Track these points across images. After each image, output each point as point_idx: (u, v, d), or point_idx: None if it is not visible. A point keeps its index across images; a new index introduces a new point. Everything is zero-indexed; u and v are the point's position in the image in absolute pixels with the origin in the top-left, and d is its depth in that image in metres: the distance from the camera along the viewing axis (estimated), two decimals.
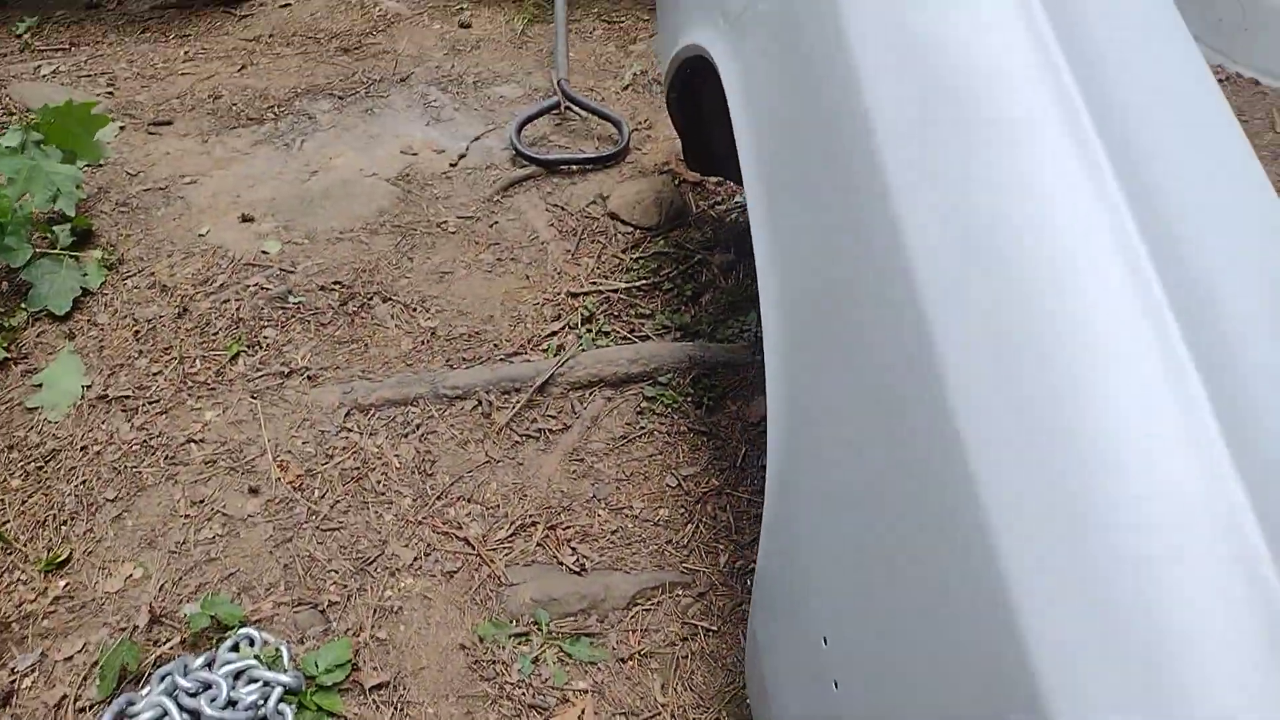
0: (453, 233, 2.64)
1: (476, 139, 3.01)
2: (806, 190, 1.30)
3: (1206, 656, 0.79)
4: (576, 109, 3.04)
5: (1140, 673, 0.79)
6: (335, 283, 2.45)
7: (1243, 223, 1.04)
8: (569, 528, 1.90)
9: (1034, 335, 0.94)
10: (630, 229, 2.61)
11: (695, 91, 1.99)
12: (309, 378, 2.19)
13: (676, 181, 2.74)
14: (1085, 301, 0.94)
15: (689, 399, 2.12)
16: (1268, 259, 1.01)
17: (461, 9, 3.80)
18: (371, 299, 2.42)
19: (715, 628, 1.75)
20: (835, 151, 1.21)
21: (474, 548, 1.85)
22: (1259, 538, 0.81)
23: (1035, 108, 1.03)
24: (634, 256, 2.52)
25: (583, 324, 2.30)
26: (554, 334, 2.30)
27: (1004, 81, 1.06)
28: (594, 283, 2.44)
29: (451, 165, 2.91)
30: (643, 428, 2.08)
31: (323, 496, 1.94)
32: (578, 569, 1.82)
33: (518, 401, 2.11)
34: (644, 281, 2.43)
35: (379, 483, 1.97)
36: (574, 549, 1.86)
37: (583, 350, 2.19)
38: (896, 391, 1.05)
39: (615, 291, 2.41)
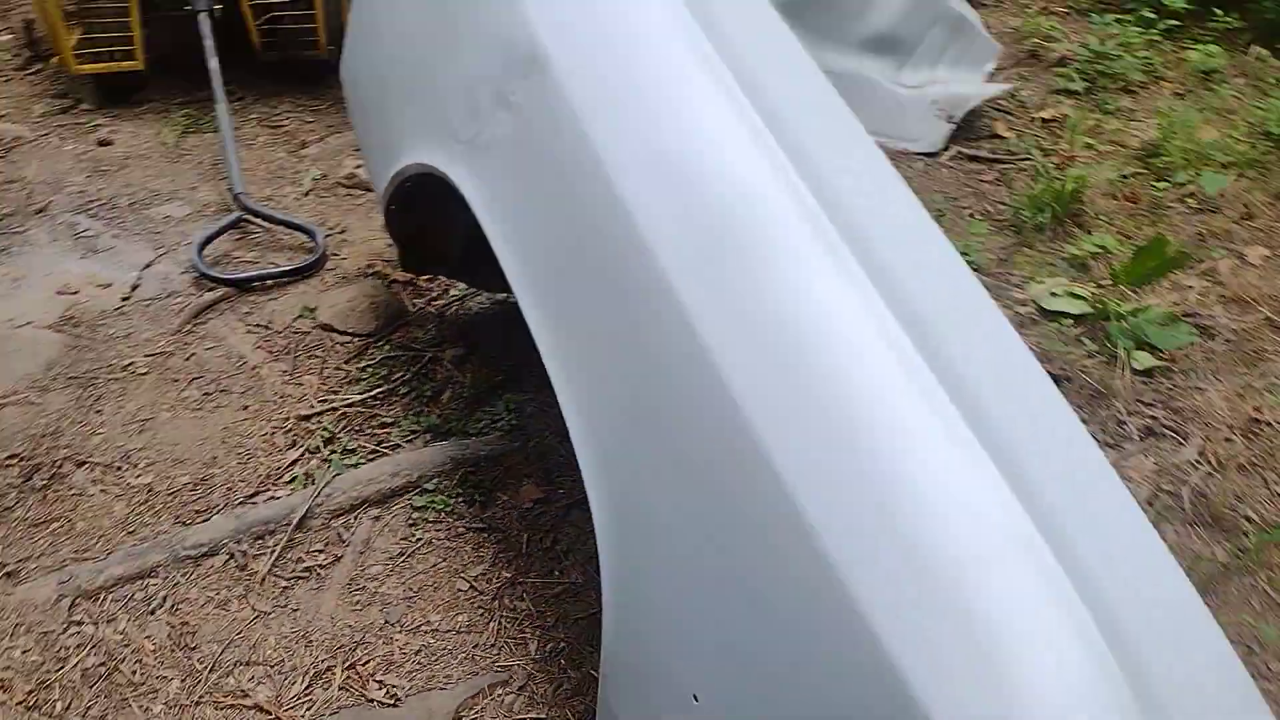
0: (144, 373, 2.38)
1: (147, 266, 2.75)
2: (589, 304, 1.36)
3: (1030, 645, 0.93)
4: (260, 221, 2.88)
5: (985, 668, 0.92)
6: (11, 456, 2.13)
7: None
8: (369, 661, 1.78)
9: (827, 398, 1.07)
10: (349, 338, 2.51)
11: (417, 201, 1.99)
12: (7, 575, 1.88)
13: (387, 283, 2.69)
14: (869, 374, 1.08)
15: (460, 499, 2.08)
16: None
17: (97, 125, 3.46)
18: (62, 466, 2.13)
19: (544, 715, 1.72)
20: (613, 271, 1.28)
21: (270, 712, 1.68)
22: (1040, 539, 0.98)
23: (783, 218, 1.18)
24: (360, 366, 2.43)
25: (325, 446, 2.18)
26: (295, 463, 2.15)
27: (751, 196, 1.20)
28: (324, 400, 2.32)
29: (124, 299, 2.63)
30: (419, 539, 2.00)
31: (68, 708, 1.66)
32: (391, 701, 1.71)
33: (276, 544, 1.95)
34: (379, 389, 2.35)
35: (134, 673, 1.72)
36: (380, 682, 1.75)
37: (336, 475, 2.07)
38: (708, 453, 1.13)
39: (350, 405, 2.30)
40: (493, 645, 1.83)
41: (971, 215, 3.10)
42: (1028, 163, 3.36)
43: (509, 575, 1.95)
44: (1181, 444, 2.29)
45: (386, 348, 2.49)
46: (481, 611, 1.88)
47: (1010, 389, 1.18)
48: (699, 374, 1.14)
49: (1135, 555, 1.11)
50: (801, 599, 1.03)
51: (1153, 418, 2.35)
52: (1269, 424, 2.31)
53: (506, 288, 2.59)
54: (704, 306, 1.15)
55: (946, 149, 3.47)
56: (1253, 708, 1.00)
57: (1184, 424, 2.34)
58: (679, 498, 1.20)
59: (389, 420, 2.28)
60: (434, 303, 2.68)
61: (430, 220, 2.12)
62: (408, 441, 2.21)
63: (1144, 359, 2.49)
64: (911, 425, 1.03)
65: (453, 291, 2.69)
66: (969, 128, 3.60)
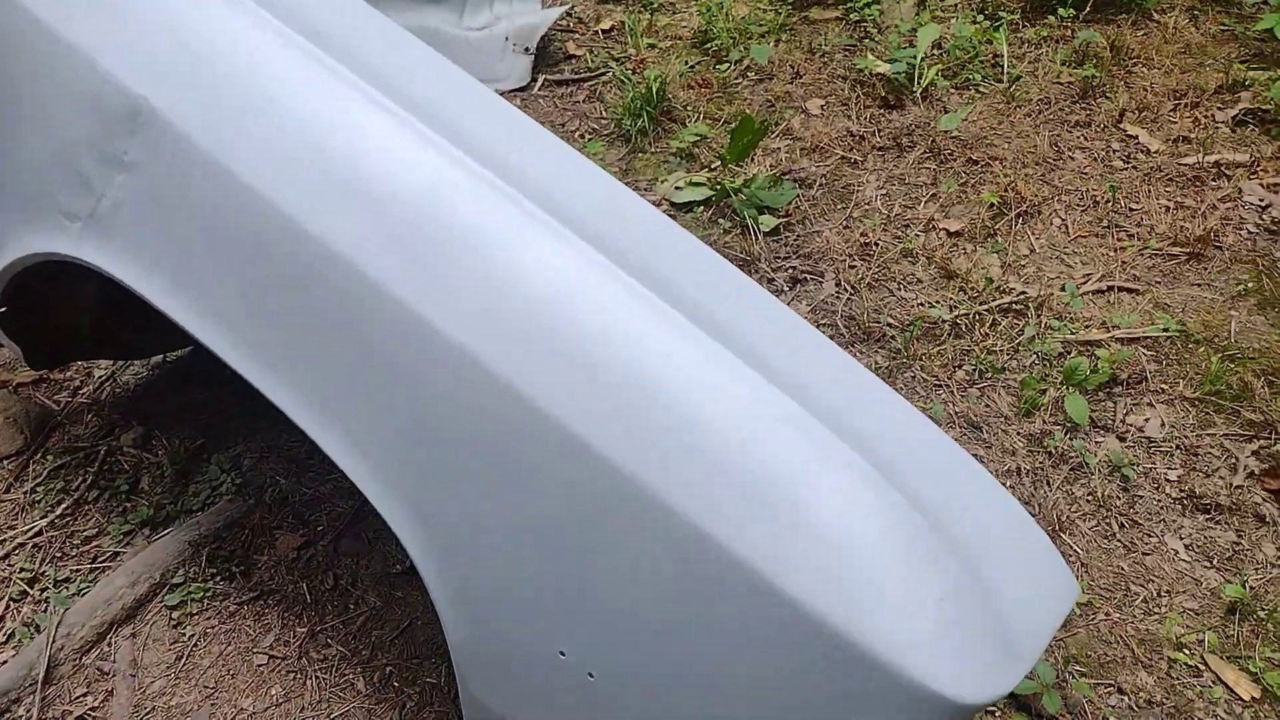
0: None
1: None
2: (314, 338, 1.33)
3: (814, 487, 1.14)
4: None
5: (779, 511, 1.11)
6: None
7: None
8: None
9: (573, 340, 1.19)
10: None
11: (30, 294, 1.76)
12: None
13: (13, 389, 2.35)
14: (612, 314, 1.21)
15: (217, 579, 1.94)
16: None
17: None
18: None
19: None
20: (327, 297, 1.28)
21: None
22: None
23: (469, 194, 1.28)
24: (27, 489, 2.14)
25: (32, 588, 1.92)
26: (1, 619, 1.88)
27: (431, 180, 1.28)
28: (0, 542, 2.02)
29: None
30: (192, 636, 1.85)
31: None
32: None
33: (29, 711, 1.71)
34: (63, 506, 2.09)
35: None
36: None
37: (64, 610, 1.84)
38: (485, 429, 1.21)
39: (38, 535, 2.03)
40: (319, 702, 1.77)
41: (583, 136, 3.30)
42: (609, 75, 3.60)
43: (304, 629, 1.88)
44: (821, 282, 2.69)
45: (49, 459, 2.20)
46: (292, 675, 1.81)
47: (701, 276, 1.36)
48: (455, 364, 1.20)
49: (854, 385, 1.36)
50: (604, 509, 1.16)
51: (792, 268, 2.72)
52: (875, 244, 2.78)
53: (160, 347, 2.40)
54: (434, 302, 1.21)
55: (535, 81, 3.62)
56: (987, 486, 1.28)
57: (817, 265, 2.74)
58: (469, 477, 1.26)
59: (92, 532, 2.04)
60: (80, 393, 2.39)
61: (49, 307, 1.90)
62: (126, 546, 2.01)
63: (768, 221, 2.85)
64: (653, 335, 1.18)
65: (97, 372, 2.42)
66: (546, 56, 3.76)
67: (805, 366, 1.29)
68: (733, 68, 3.51)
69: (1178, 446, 2.25)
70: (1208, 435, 2.27)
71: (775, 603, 1.07)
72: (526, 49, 3.69)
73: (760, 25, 3.70)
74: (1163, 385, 2.36)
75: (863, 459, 1.15)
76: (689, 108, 3.37)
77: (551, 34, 3.85)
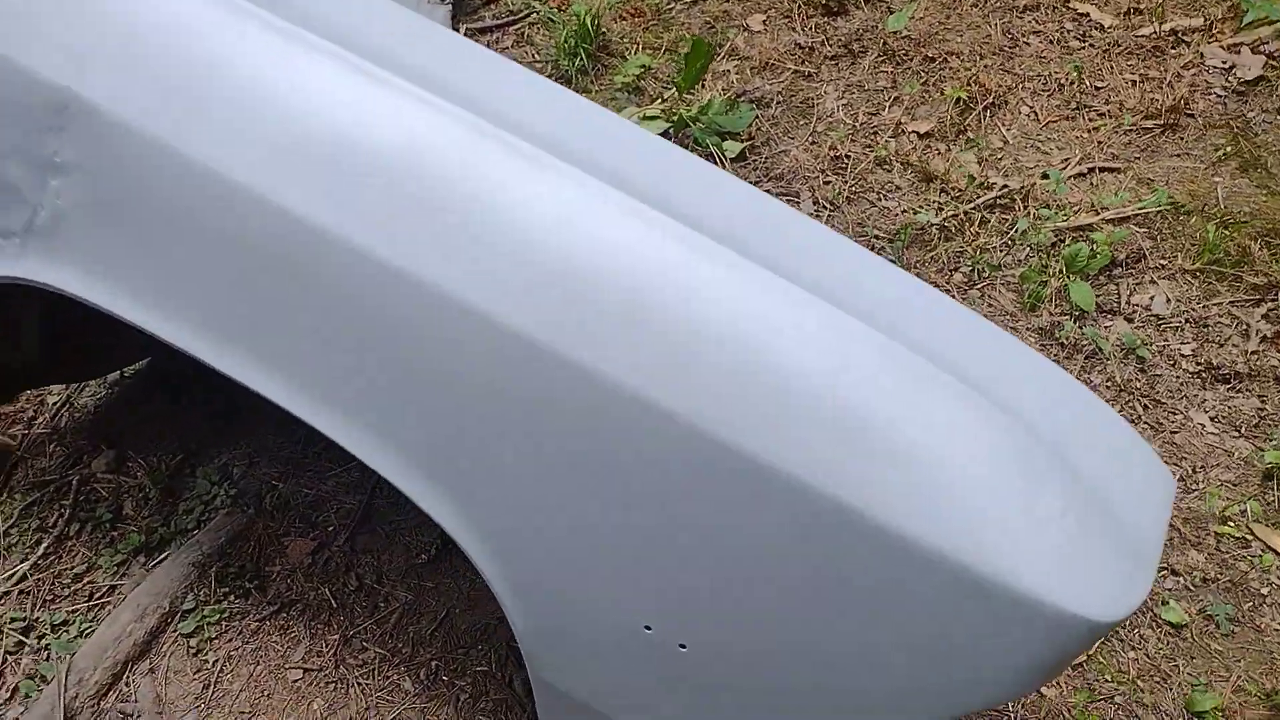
0: None
1: None
2: (320, 326, 1.18)
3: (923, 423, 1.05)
4: None
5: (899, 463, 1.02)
6: None
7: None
8: None
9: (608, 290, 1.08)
10: None
11: None
12: None
13: None
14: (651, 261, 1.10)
15: (231, 597, 1.80)
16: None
17: None
18: None
19: None
20: (323, 278, 1.14)
21: None
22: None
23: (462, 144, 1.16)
24: (3, 530, 1.95)
25: (28, 636, 1.76)
26: (2, 673, 1.72)
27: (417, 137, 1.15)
28: None
29: None
30: (216, 661, 1.72)
31: None
32: None
33: None
34: (44, 545, 1.91)
35: None
36: None
37: (70, 656, 1.69)
38: (531, 403, 1.09)
39: (21, 580, 1.86)
40: (366, 709, 1.66)
41: None
42: (534, 16, 3.42)
43: (336, 636, 1.75)
44: (798, 202, 2.60)
45: (16, 498, 2.01)
46: (333, 686, 1.69)
47: (737, 208, 1.26)
48: (484, 335, 1.08)
49: (909, 295, 1.27)
50: (687, 472, 1.05)
51: (767, 191, 2.62)
52: (846, 156, 2.69)
53: (116, 363, 2.21)
54: (458, 274, 1.08)
55: (456, 31, 3.42)
56: (1104, 418, 1.21)
57: (790, 185, 2.65)
58: (525, 459, 1.14)
59: (82, 568, 1.88)
60: (36, 423, 2.19)
61: None
62: (122, 577, 1.85)
63: (732, 147, 2.74)
64: (710, 277, 1.07)
65: (50, 399, 2.22)
66: (462, 3, 3.56)
67: (860, 284, 1.20)
68: None
69: (1186, 320, 2.24)
70: (1214, 305, 2.25)
71: (889, 545, 0.99)
72: (441, 0, 3.49)
73: None
74: (1161, 261, 2.34)
75: (953, 377, 1.07)
76: (626, 39, 3.21)
77: None
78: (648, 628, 1.19)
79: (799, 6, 3.16)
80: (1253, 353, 2.16)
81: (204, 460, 2.05)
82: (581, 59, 3.10)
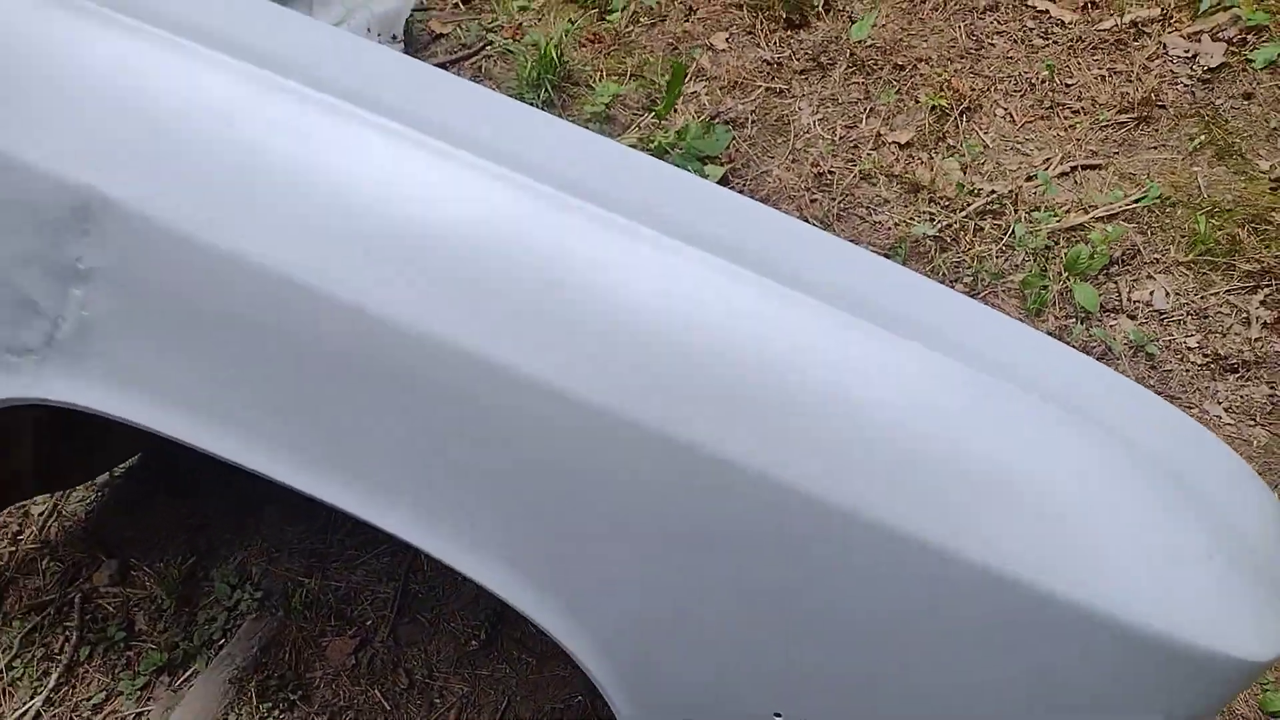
0: None
1: None
2: (388, 426, 1.11)
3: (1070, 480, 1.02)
4: None
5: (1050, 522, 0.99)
6: None
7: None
8: None
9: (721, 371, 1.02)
10: None
11: None
12: None
13: None
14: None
15: (276, 711, 1.69)
16: None
17: None
18: None
19: None
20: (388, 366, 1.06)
21: None
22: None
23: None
24: (3, 665, 1.81)
25: None
26: None
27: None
28: None
29: None
30: None
31: None
32: None
33: None
34: (54, 678, 1.78)
35: None
36: None
37: None
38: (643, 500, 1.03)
39: (35, 719, 1.72)
40: None
41: None
42: (490, 48, 3.33)
43: None
44: None
45: (14, 625, 1.87)
46: None
47: (791, 240, 1.21)
48: (592, 430, 1.01)
49: (974, 319, 1.24)
50: (803, 542, 1.01)
51: None
52: (830, 172, 2.67)
53: (105, 465, 2.07)
54: (548, 359, 1.01)
55: None
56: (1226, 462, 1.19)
57: (777, 205, 2.61)
58: (638, 545, 1.08)
59: (100, 697, 1.75)
60: (22, 539, 2.04)
61: None
62: (148, 702, 1.73)
63: (714, 171, 2.70)
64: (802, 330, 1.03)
65: (35, 510, 2.07)
66: (412, 39, 3.45)
67: (933, 313, 1.16)
68: (621, 15, 3.30)
69: (1188, 313, 2.26)
70: (1212, 295, 2.29)
71: (1059, 614, 0.95)
72: (394, 36, 3.36)
73: None
74: (1156, 256, 2.37)
75: (1072, 413, 1.04)
76: (588, 67, 3.15)
77: (414, 17, 3.52)
78: (777, 715, 1.14)
79: (760, 21, 3.13)
80: (1256, 340, 2.20)
81: (217, 561, 1.93)
82: (546, 90, 3.03)
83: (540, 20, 3.42)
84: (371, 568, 1.89)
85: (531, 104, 3.02)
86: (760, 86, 2.95)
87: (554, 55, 3.03)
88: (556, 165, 1.13)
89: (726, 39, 3.14)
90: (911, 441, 0.99)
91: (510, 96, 3.13)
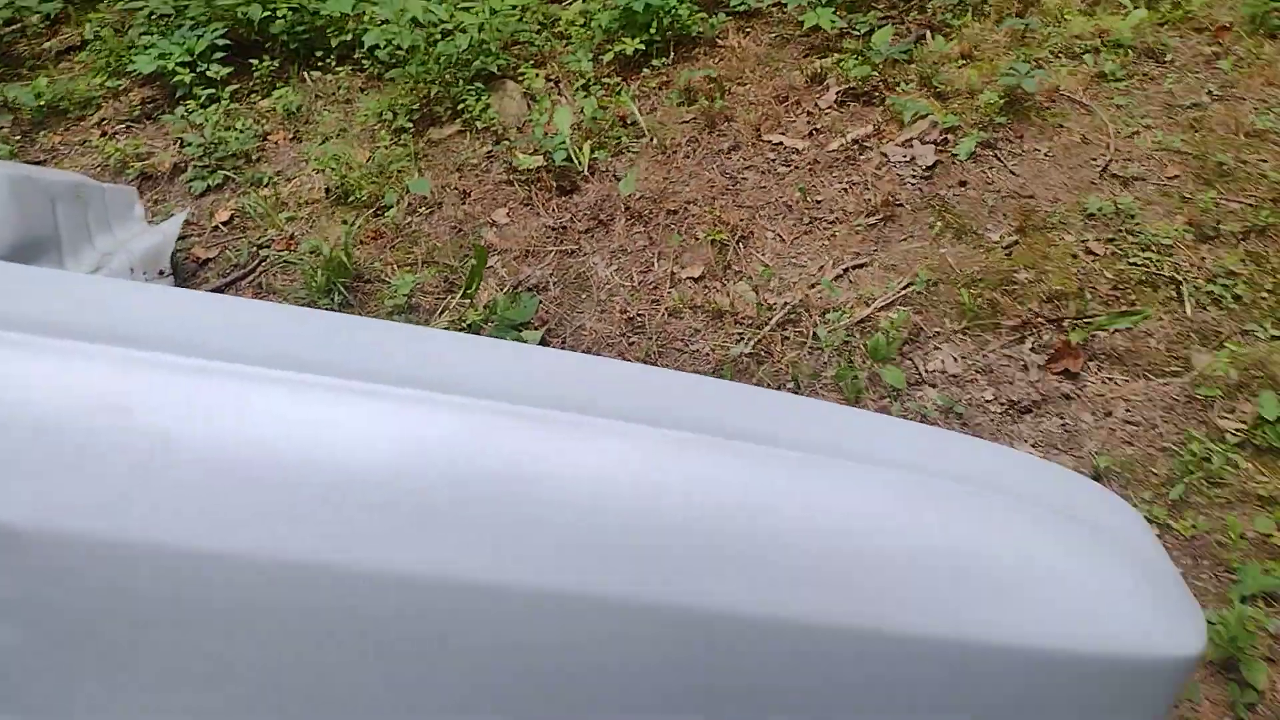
0: None
1: None
2: None
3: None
4: None
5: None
6: None
7: None
8: None
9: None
10: None
11: None
12: None
13: None
14: None
15: None
16: None
17: None
18: None
19: None
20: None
21: None
22: None
23: None
24: None
25: None
26: None
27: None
28: None
29: None
30: None
31: None
32: None
33: None
34: None
35: None
36: None
37: None
38: None
39: None
40: None
41: None
42: (265, 264, 3.31)
43: None
44: None
45: None
46: None
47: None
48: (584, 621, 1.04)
49: (856, 425, 1.39)
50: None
51: None
52: (639, 315, 2.84)
53: None
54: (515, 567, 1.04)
55: None
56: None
57: (601, 355, 2.74)
58: None
59: None
60: None
61: None
62: None
63: (531, 336, 2.80)
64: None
65: None
66: (180, 270, 3.37)
67: (834, 435, 1.30)
68: (397, 209, 3.40)
69: (976, 371, 2.58)
70: (990, 353, 2.62)
71: (996, 656, 1.05)
72: (161, 272, 3.27)
73: (395, 162, 3.62)
74: (936, 330, 2.69)
75: (957, 484, 1.19)
76: (376, 262, 3.20)
77: (178, 247, 3.44)
78: None
79: (534, 193, 3.33)
80: (1036, 381, 2.54)
81: None
82: (340, 292, 3.04)
83: (312, 227, 3.46)
84: None
85: (327, 307, 3.02)
86: (551, 250, 3.12)
87: (343, 258, 3.06)
88: (432, 371, 1.17)
89: (507, 213, 3.30)
90: (855, 546, 1.08)
91: (303, 305, 3.12)
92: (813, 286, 2.84)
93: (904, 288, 2.78)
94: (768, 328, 2.72)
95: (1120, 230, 2.86)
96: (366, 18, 4.23)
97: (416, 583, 0.99)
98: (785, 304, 2.79)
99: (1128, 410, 2.45)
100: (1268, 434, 2.28)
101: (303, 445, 1.01)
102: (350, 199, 3.49)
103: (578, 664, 1.04)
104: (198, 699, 1.03)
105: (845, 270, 2.89)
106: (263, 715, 1.03)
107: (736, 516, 1.07)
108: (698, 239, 3.04)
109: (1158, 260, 2.75)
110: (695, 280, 2.93)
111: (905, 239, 2.96)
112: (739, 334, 2.72)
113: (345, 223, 3.40)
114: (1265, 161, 2.96)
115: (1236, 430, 2.34)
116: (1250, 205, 2.83)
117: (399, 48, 3.94)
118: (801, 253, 2.98)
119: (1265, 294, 2.60)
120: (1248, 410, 2.36)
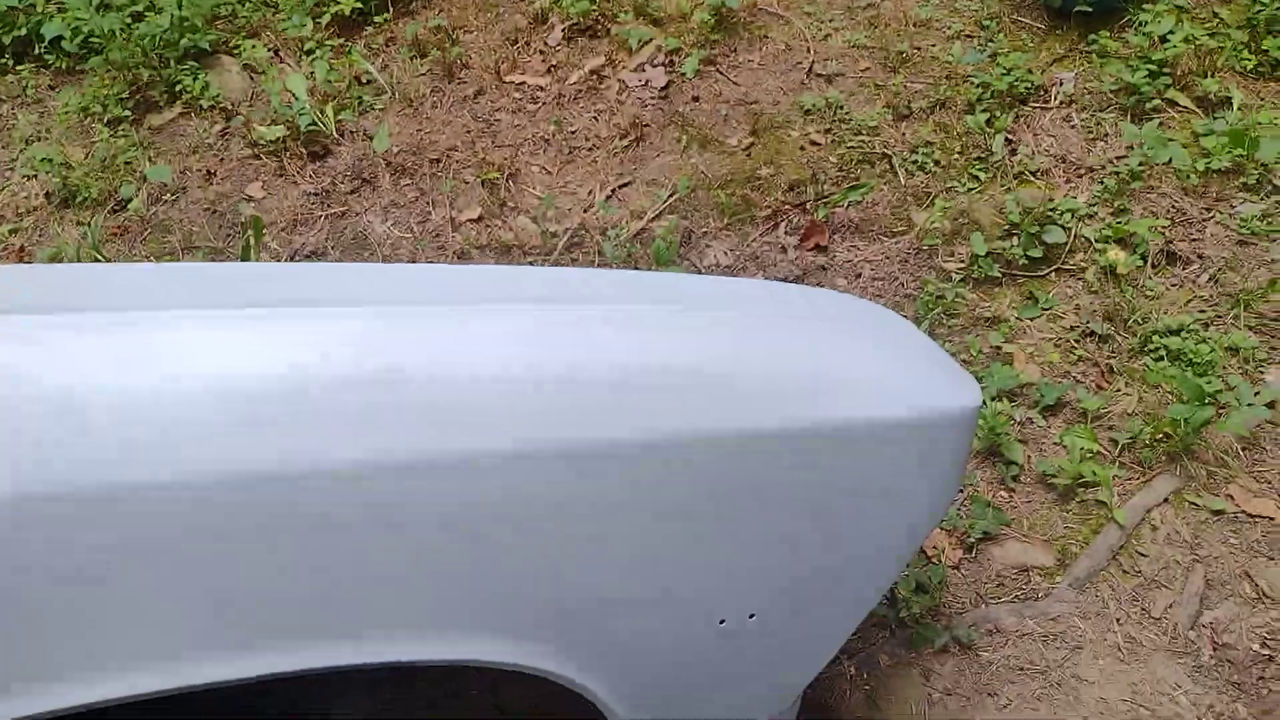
0: None
1: None
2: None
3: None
4: None
5: None
6: None
7: None
8: None
9: None
10: None
11: None
12: None
13: None
14: None
15: None
16: None
17: None
18: None
19: None
20: None
21: None
22: None
23: None
24: None
25: None
26: None
27: None
28: None
29: None
30: None
31: None
32: None
33: None
34: None
35: None
36: None
37: None
38: None
39: None
40: None
41: None
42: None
43: None
44: None
45: None
46: None
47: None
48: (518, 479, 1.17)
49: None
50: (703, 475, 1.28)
51: None
52: (428, 262, 2.90)
53: None
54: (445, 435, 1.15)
55: None
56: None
57: None
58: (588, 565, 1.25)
59: None
60: None
61: None
62: None
63: None
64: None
65: None
66: None
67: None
68: (138, 201, 3.20)
69: (747, 260, 2.89)
70: (753, 242, 2.95)
71: (828, 435, 1.28)
72: None
73: (121, 154, 3.38)
74: (705, 230, 2.97)
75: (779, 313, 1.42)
76: (126, 257, 3.02)
77: None
78: (722, 621, 1.36)
79: (286, 162, 3.25)
80: (796, 259, 2.89)
81: None
82: None
83: (43, 235, 3.19)
84: None
85: None
86: (320, 215, 3.09)
87: (97, 258, 2.87)
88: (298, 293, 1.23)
89: (262, 186, 3.22)
90: (711, 370, 1.27)
91: None
92: (587, 210, 3.02)
93: (669, 197, 3.04)
94: (555, 253, 2.89)
95: (834, 120, 3.27)
96: (39, 9, 3.86)
97: (344, 473, 1.04)
98: (567, 229, 2.96)
99: (872, 269, 2.86)
100: (982, 266, 2.77)
101: (204, 370, 1.02)
102: (79, 199, 3.24)
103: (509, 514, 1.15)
104: (158, 629, 1.04)
105: (613, 191, 3.10)
106: (220, 629, 1.06)
107: (614, 358, 1.21)
108: (468, 183, 3.13)
109: (869, 141, 3.18)
110: (475, 221, 3.02)
111: (658, 155, 3.22)
112: (530, 263, 2.87)
113: (81, 224, 3.16)
114: (935, 45, 3.48)
115: (958, 270, 2.81)
116: (930, 84, 3.33)
117: (91, 35, 3.65)
118: (569, 181, 3.15)
119: (956, 156, 3.10)
120: (964, 251, 2.84)
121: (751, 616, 1.37)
